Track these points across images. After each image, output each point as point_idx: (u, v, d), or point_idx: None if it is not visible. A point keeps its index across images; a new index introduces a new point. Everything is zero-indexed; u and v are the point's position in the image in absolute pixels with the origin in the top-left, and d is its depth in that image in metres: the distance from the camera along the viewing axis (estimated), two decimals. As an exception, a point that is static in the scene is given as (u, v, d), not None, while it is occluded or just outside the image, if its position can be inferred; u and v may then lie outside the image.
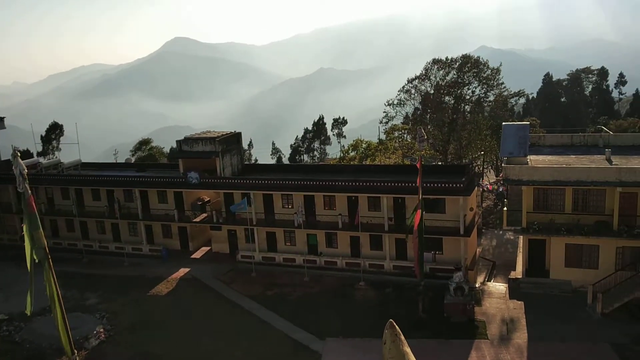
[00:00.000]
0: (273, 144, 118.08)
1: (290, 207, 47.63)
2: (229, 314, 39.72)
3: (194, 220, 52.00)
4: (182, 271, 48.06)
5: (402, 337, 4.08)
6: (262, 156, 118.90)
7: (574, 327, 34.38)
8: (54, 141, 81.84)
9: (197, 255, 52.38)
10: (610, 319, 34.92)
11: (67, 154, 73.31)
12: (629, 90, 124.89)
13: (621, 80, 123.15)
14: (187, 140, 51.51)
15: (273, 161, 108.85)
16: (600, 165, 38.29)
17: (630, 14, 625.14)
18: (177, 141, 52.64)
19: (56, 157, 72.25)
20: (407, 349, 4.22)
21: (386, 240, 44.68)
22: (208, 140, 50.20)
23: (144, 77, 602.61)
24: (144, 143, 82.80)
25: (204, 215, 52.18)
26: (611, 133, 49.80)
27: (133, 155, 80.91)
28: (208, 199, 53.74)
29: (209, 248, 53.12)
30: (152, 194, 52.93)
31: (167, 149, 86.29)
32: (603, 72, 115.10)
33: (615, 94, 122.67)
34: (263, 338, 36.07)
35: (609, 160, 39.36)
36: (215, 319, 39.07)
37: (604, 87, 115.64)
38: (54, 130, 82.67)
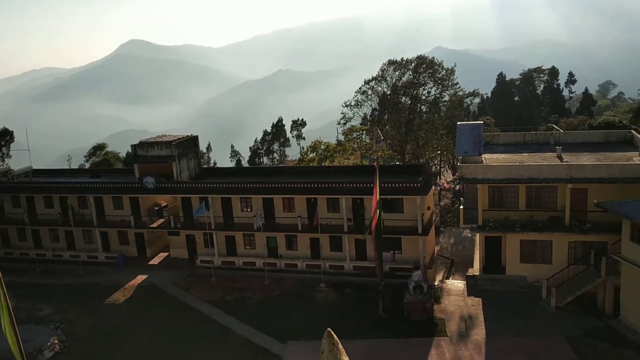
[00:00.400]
0: (232, 146, 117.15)
1: (249, 210, 47.28)
2: (188, 320, 39.12)
3: (151, 225, 51.09)
4: (140, 278, 47.13)
5: (340, 347, 3.99)
6: (221, 159, 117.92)
7: (529, 321, 35.12)
8: (4, 148, 79.13)
9: (155, 261, 51.48)
10: (564, 312, 35.80)
11: (18, 161, 70.98)
12: (578, 89, 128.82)
13: (571, 80, 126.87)
14: (143, 144, 50.57)
15: (232, 164, 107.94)
16: (551, 162, 39.28)
17: (580, 15, 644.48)
18: (132, 146, 51.63)
19: (6, 165, 69.92)
20: (345, 358, 4.14)
21: (346, 241, 44.82)
22: (164, 144, 49.40)
23: (99, 80, 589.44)
24: (99, 148, 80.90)
25: (162, 220, 51.31)
26: (562, 131, 51.16)
27: (87, 160, 78.99)
28: (165, 204, 52.88)
29: (167, 254, 52.27)
30: (107, 200, 51.76)
31: (122, 154, 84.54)
32: (554, 72, 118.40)
33: (565, 92, 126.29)
34: (223, 343, 35.66)
35: (560, 158, 40.40)
36: (173, 326, 38.43)
37: (555, 86, 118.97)
38: (4, 137, 79.87)
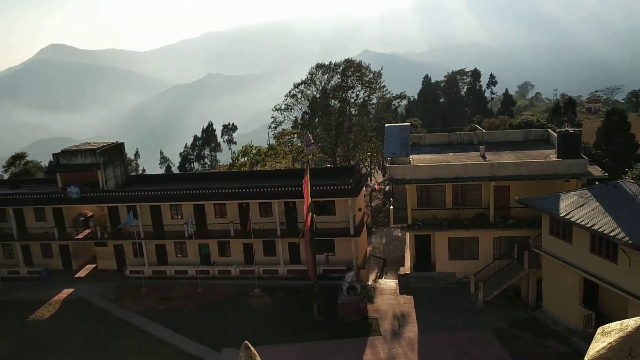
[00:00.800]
0: (161, 152, 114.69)
1: (179, 217, 46.39)
2: (118, 333, 37.88)
3: (77, 237, 49.16)
4: (66, 292, 45.23)
5: (259, 359, 3.98)
6: (150, 166, 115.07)
7: (459, 316, 36.22)
8: None
9: (82, 274, 49.55)
10: (491, 305, 37.14)
11: None
12: (499, 90, 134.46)
13: (492, 81, 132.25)
14: (65, 153, 48.62)
15: (162, 171, 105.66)
16: (475, 161, 40.70)
17: (499, 19, 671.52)
18: (53, 154, 49.51)
19: None
20: (263, 368, 4.14)
21: (279, 245, 44.75)
22: (88, 152, 47.68)
23: (18, 87, 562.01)
24: (18, 158, 77.03)
25: (88, 231, 49.49)
26: (484, 131, 53.08)
27: (6, 171, 75.09)
28: (91, 213, 51.05)
29: (94, 266, 50.42)
30: (28, 211, 49.42)
31: (45, 163, 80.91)
32: (476, 74, 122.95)
33: (487, 93, 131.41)
34: (156, 354, 34.78)
35: (483, 157, 41.92)
36: (102, 340, 37.13)
37: (478, 87, 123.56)
38: None
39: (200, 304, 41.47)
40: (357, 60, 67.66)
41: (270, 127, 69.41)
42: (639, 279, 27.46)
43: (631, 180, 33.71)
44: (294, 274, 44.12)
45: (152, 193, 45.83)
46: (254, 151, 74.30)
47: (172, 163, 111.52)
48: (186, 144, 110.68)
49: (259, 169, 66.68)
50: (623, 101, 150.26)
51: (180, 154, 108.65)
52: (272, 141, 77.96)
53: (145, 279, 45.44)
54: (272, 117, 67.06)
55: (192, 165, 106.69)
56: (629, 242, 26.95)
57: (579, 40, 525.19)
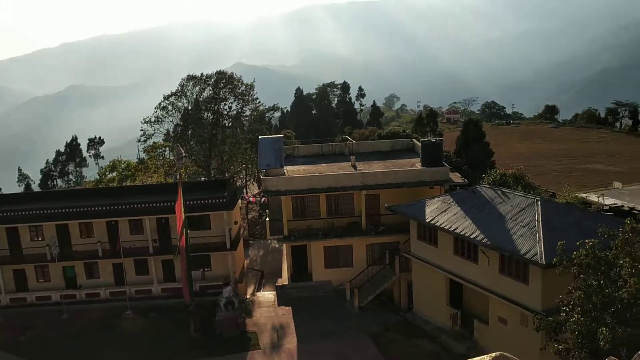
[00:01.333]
0: (20, 169, 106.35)
1: (40, 239, 43.06)
2: (-30, 371, 34.34)
3: None
4: None
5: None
6: (7, 185, 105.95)
7: (336, 323, 36.97)
8: None
9: None
10: (367, 311, 38.36)
11: None
12: (367, 101, 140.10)
13: (361, 93, 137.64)
14: None
15: (20, 189, 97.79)
16: (347, 171, 41.98)
17: (360, 32, 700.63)
18: None
19: None
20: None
21: (152, 263, 43.02)
22: None
23: None
24: None
25: None
26: (354, 142, 54.96)
27: None
28: None
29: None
30: None
31: None
32: (345, 86, 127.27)
33: (357, 105, 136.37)
34: (16, 391, 31.90)
35: (354, 167, 43.36)
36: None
37: (348, 99, 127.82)
38: None
39: (67, 331, 38.69)
40: (229, 72, 67.20)
41: (139, 141, 66.73)
42: (497, 277, 29.72)
43: (487, 186, 36.51)
44: (169, 292, 42.57)
45: (9, 214, 42.17)
46: (122, 166, 71.06)
47: (32, 181, 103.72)
48: (47, 159, 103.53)
49: (128, 184, 63.80)
50: (478, 112, 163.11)
51: (42, 170, 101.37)
52: (143, 155, 75.06)
53: (1, 308, 41.63)
54: (142, 129, 64.56)
55: (55, 183, 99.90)
56: (487, 243, 29.12)
57: (437, 55, 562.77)
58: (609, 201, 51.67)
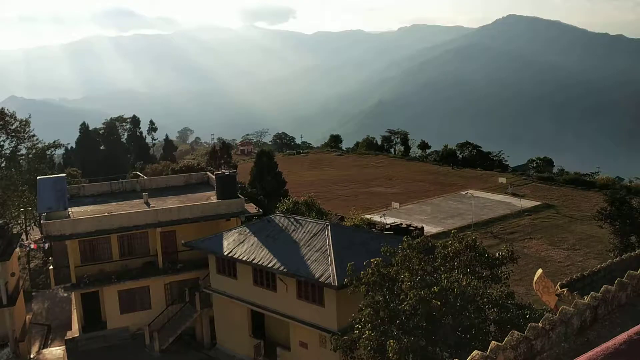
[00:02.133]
0: None
1: None
2: None
3: None
4: None
5: None
6: None
7: (136, 371, 34.87)
8: None
9: None
10: (169, 352, 36.72)
11: None
12: (160, 135, 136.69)
13: (152, 127, 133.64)
14: None
15: None
16: (139, 209, 40.17)
17: (150, 66, 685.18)
18: None
19: None
20: None
21: None
22: None
23: None
24: None
25: None
26: (146, 177, 52.97)
27: None
28: None
29: None
30: None
31: None
32: (135, 120, 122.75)
33: (149, 139, 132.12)
34: None
35: (147, 204, 41.68)
36: None
37: (139, 134, 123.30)
38: None
39: None
40: (0, 108, 60.67)
41: None
42: (296, 303, 30.66)
43: (281, 214, 37.69)
44: None
45: None
46: None
47: None
48: None
49: None
50: (270, 142, 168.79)
51: None
52: None
53: None
54: None
55: None
56: (284, 270, 29.97)
57: (228, 88, 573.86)
58: (389, 220, 56.98)
